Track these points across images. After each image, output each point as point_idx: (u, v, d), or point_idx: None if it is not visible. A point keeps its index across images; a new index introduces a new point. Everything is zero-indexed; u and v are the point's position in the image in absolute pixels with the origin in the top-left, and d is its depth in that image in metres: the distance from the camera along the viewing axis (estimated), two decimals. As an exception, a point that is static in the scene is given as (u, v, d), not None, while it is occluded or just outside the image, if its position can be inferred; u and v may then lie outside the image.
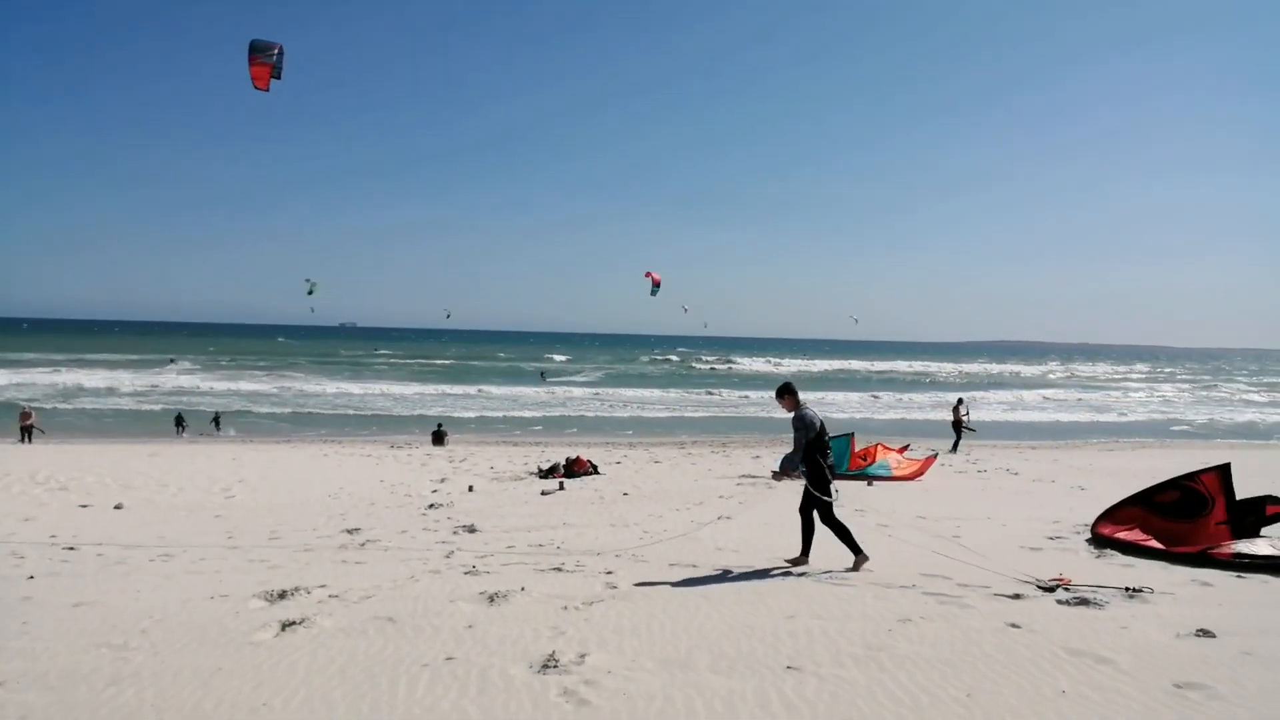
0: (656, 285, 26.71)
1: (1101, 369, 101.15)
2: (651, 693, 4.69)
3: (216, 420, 31.18)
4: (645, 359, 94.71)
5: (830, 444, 8.19)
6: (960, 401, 26.07)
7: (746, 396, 51.11)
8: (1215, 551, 8.43)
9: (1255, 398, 63.05)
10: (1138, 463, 20.48)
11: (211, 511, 12.37)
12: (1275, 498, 9.54)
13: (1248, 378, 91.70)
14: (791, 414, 8.12)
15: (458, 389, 50.43)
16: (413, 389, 50.15)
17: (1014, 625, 6.01)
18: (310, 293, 27.88)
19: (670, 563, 8.32)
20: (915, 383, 71.85)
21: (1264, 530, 9.16)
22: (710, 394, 51.74)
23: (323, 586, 7.27)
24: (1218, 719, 4.27)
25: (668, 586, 7.27)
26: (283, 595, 6.92)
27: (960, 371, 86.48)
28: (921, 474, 16.72)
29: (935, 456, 18.02)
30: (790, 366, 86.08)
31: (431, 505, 12.87)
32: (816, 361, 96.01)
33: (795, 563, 8.19)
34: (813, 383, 65.25)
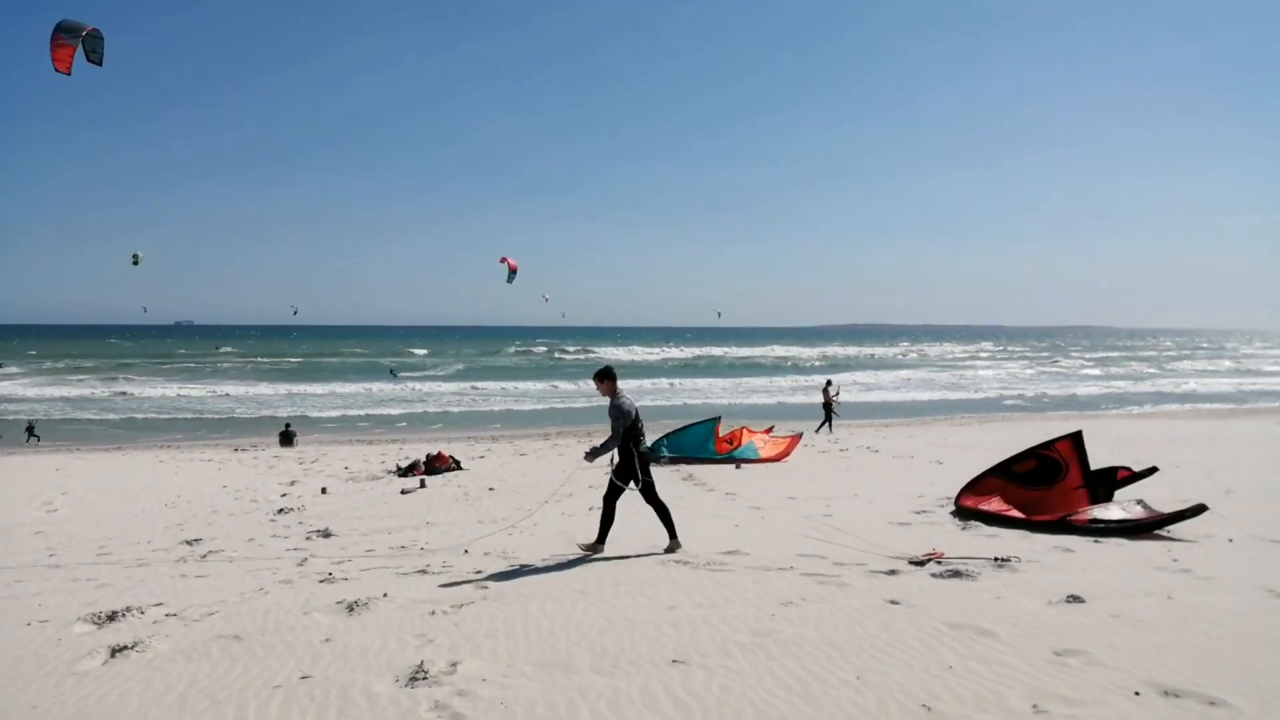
0: (513, 271, 26.02)
1: (948, 349, 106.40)
2: (531, 700, 4.34)
3: (31, 429, 28.25)
4: (510, 351, 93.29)
5: (643, 431, 8.02)
6: (829, 383, 26.81)
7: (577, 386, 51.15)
8: (1073, 518, 8.75)
9: (1093, 371, 67.70)
10: (987, 436, 21.46)
11: (30, 528, 11.14)
12: (1125, 467, 10.05)
13: (1081, 353, 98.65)
14: (608, 399, 7.93)
15: (309, 388, 48.06)
16: (259, 389, 47.54)
17: (893, 602, 5.97)
18: (136, 263, 25.73)
19: (543, 558, 7.95)
20: (776, 367, 73.48)
21: (1115, 495, 9.61)
22: (575, 385, 51.35)
23: (159, 605, 6.54)
24: (1098, 683, 4.27)
25: (542, 583, 6.89)
26: (112, 617, 6.17)
27: (821, 355, 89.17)
28: (787, 454, 16.94)
29: (800, 437, 18.30)
30: (655, 354, 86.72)
31: (281, 510, 12.03)
32: (680, 349, 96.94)
33: (592, 549, 7.96)
34: (678, 370, 65.97)
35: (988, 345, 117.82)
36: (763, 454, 16.72)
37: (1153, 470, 9.94)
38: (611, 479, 7.98)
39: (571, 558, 7.92)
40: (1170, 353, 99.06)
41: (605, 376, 8.09)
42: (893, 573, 6.91)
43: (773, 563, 7.39)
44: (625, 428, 7.79)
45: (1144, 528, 8.38)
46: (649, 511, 8.14)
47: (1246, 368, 71.16)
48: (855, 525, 9.22)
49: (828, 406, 25.46)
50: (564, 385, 50.88)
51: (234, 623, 5.98)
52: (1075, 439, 9.87)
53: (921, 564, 7.17)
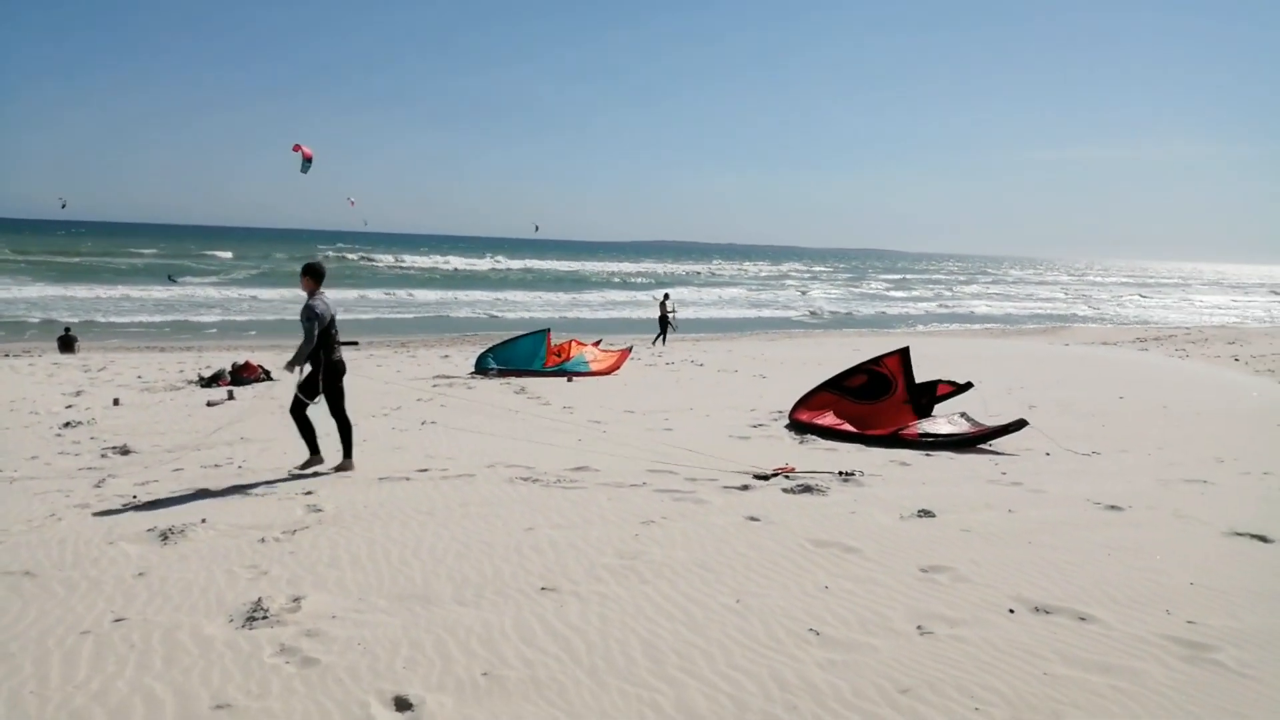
0: (308, 160, 23.91)
1: (761, 267, 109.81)
2: (394, 639, 3.92)
3: None
4: (319, 258, 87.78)
5: (337, 336, 7.57)
6: (666, 297, 27.06)
7: (412, 295, 49.39)
8: (904, 432, 9.10)
9: (895, 294, 71.79)
10: (801, 351, 22.22)
11: None
12: (946, 380, 10.55)
13: (878, 274, 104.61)
14: (307, 296, 7.37)
15: (98, 290, 43.51)
16: (31, 290, 42.61)
17: (753, 519, 5.92)
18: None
19: (380, 476, 7.39)
20: (605, 282, 73.11)
21: (936, 409, 10.08)
22: (388, 294, 49.25)
23: (-82, 539, 5.58)
24: (972, 600, 4.34)
25: (383, 504, 6.38)
26: None
27: (642, 270, 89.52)
28: (618, 367, 16.85)
29: (630, 350, 18.24)
30: (478, 265, 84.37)
31: (68, 424, 10.68)
32: (502, 260, 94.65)
33: (308, 465, 7.52)
34: (501, 282, 64.54)
35: (797, 265, 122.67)
36: (594, 367, 16.55)
37: (969, 385, 10.50)
38: (296, 393, 7.42)
39: (408, 476, 7.41)
40: (960, 278, 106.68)
41: (308, 273, 7.48)
42: (745, 488, 6.89)
43: (624, 479, 7.20)
44: (319, 331, 7.23)
45: (970, 441, 8.83)
46: (488, 429, 7.74)
47: (1023, 292, 77.87)
48: (697, 439, 9.20)
49: (664, 320, 25.67)
50: (374, 294, 48.69)
51: (23, 556, 5.16)
52: (902, 355, 10.24)
53: (769, 479, 7.20)
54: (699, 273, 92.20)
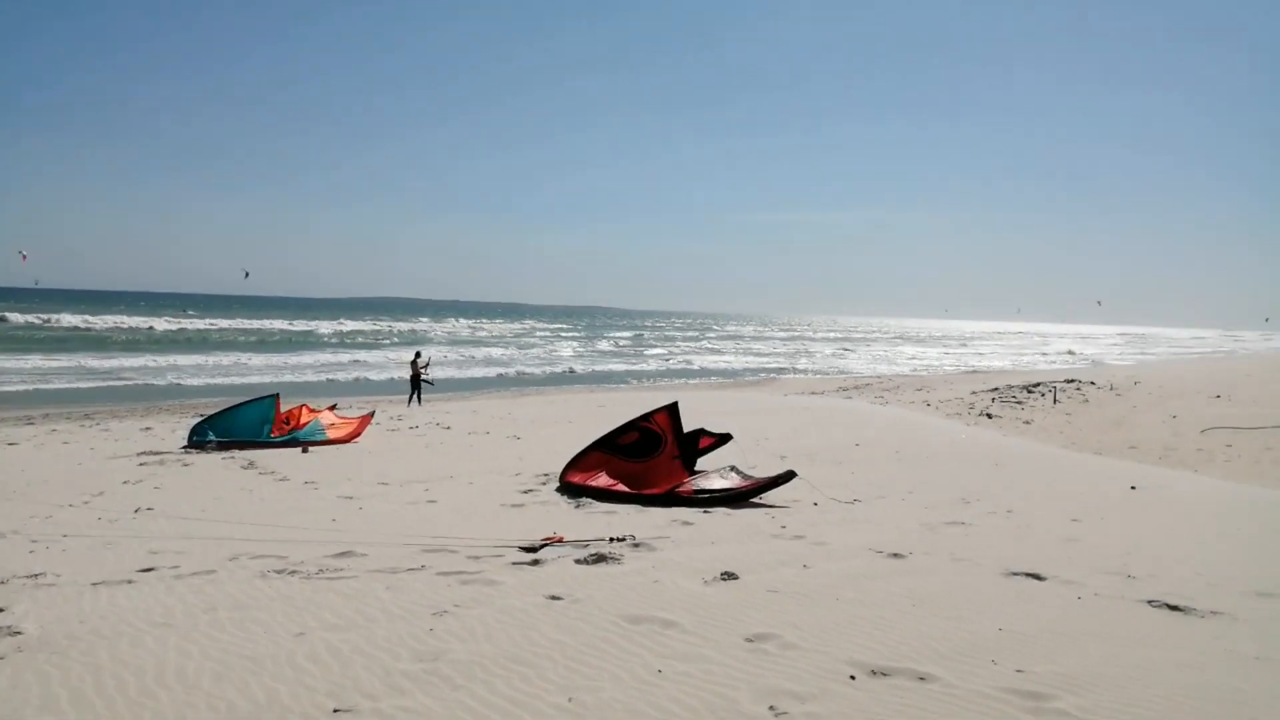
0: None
1: (495, 325, 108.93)
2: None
3: None
4: (-26, 317, 76.11)
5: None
6: (418, 355, 26.07)
7: (103, 360, 44.12)
8: (680, 490, 9.02)
9: (631, 350, 73.72)
10: (550, 409, 21.98)
11: None
12: (707, 431, 10.64)
13: (611, 329, 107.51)
14: None
15: None
16: None
17: (554, 597, 5.45)
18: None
19: (93, 581, 6.11)
20: (328, 342, 68.86)
21: (700, 462, 10.13)
22: (71, 360, 43.40)
23: None
24: (810, 670, 4.14)
25: (104, 618, 5.22)
26: None
27: (368, 328, 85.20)
28: (359, 434, 15.67)
29: (371, 415, 17.08)
30: (183, 324, 76.69)
31: None
32: (209, 319, 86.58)
33: None
34: (203, 344, 59.04)
35: (530, 322, 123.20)
36: (331, 435, 15.26)
37: (728, 437, 10.69)
38: None
39: (129, 579, 6.19)
40: (689, 333, 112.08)
41: None
42: (536, 563, 6.40)
43: (398, 563, 6.46)
44: None
45: (743, 495, 8.89)
46: (214, 510, 6.70)
47: (741, 346, 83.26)
48: (467, 510, 8.58)
49: (415, 379, 24.70)
50: (52, 360, 42.68)
51: None
52: (671, 410, 10.24)
53: (537, 550, 6.73)
54: (430, 330, 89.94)
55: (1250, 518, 8.64)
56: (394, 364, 46.67)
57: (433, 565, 6.35)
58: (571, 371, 48.69)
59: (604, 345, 78.71)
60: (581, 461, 9.96)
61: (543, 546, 6.80)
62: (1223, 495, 10.20)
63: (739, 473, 9.48)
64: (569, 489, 9.56)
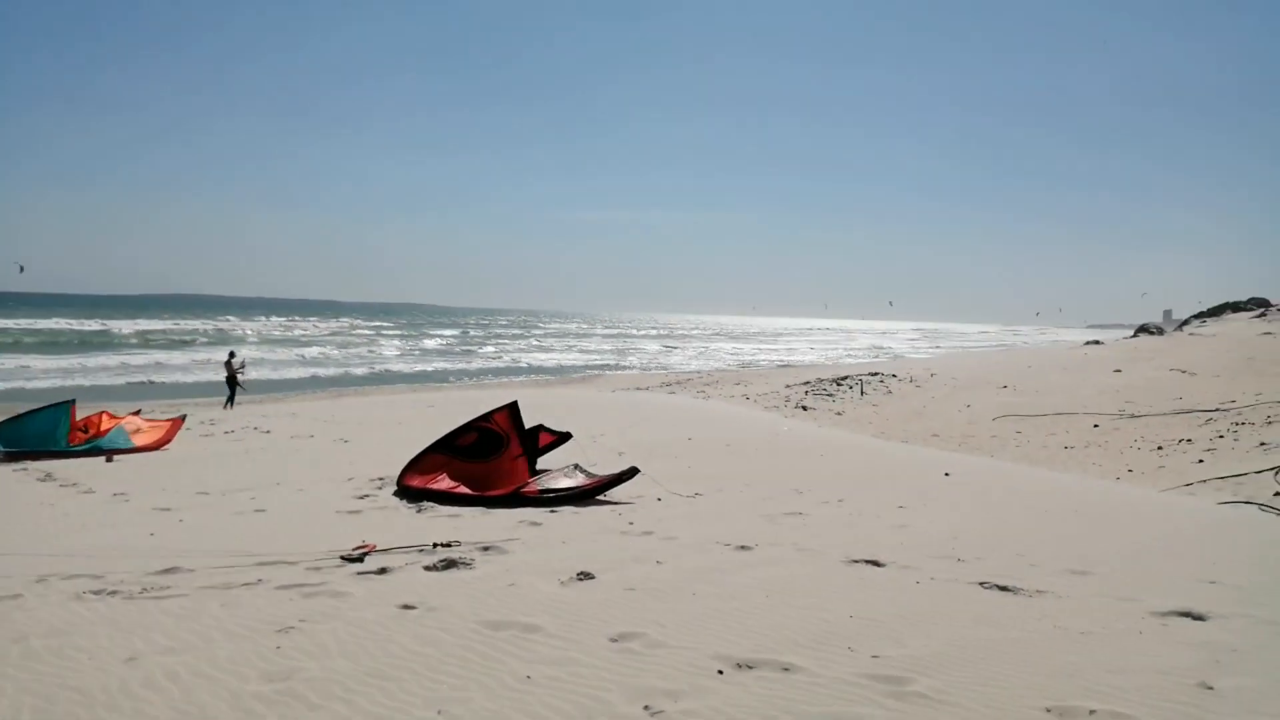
0: None
1: (300, 322, 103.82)
2: None
3: None
4: None
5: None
6: (232, 355, 24.75)
7: None
8: (525, 490, 8.93)
9: (459, 347, 72.23)
10: (376, 411, 21.26)
11: None
12: (546, 428, 10.59)
13: (435, 327, 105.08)
14: None
15: None
16: None
17: (408, 606, 5.27)
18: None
19: None
20: (129, 343, 63.14)
21: (542, 461, 10.09)
22: None
23: None
24: (679, 667, 4.20)
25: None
26: None
27: (137, 330, 78.38)
28: (169, 440, 14.60)
29: (183, 419, 15.93)
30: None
31: None
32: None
33: None
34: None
35: (348, 320, 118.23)
36: (138, 441, 14.14)
37: (568, 435, 10.71)
38: None
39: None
40: (515, 330, 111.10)
41: None
42: (383, 571, 6.17)
43: (231, 578, 6.05)
44: None
45: (589, 493, 8.91)
46: (24, 524, 6.08)
47: (569, 344, 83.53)
48: (300, 519, 8.17)
49: (232, 380, 23.34)
50: None
51: None
52: (511, 409, 10.12)
53: (358, 559, 6.48)
54: (238, 329, 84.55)
55: (1052, 499, 9.50)
56: (200, 365, 43.68)
57: (270, 578, 5.99)
58: (395, 371, 47.28)
59: (429, 344, 76.85)
60: (420, 464, 9.68)
61: (361, 556, 6.53)
62: (1024, 479, 11.18)
63: (583, 471, 9.50)
64: (408, 493, 9.27)
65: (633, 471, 9.13)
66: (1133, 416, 24.52)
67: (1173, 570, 5.98)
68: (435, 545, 6.83)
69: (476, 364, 54.75)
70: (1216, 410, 23.80)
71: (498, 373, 48.12)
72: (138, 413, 15.99)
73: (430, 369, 49.22)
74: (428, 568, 6.22)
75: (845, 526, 7.48)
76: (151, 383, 34.68)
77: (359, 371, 45.79)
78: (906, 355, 71.97)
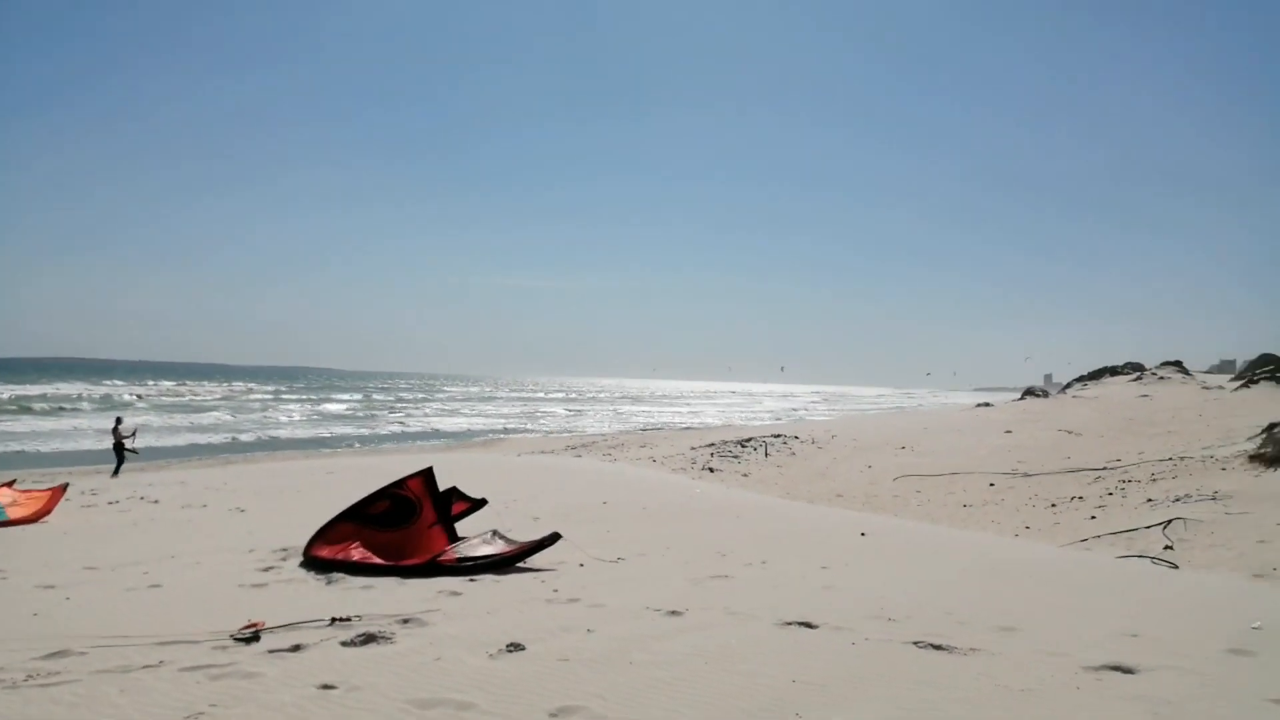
0: None
1: (207, 388, 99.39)
2: None
3: None
4: None
5: None
6: (119, 421, 23.56)
7: None
8: (442, 559, 8.61)
9: (361, 413, 70.16)
10: (272, 479, 20.35)
11: None
12: (460, 493, 10.30)
13: (334, 390, 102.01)
14: None
15: None
16: None
17: (328, 686, 4.96)
18: None
19: None
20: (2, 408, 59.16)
21: (456, 527, 9.78)
22: None
23: None
24: (623, 740, 4.05)
25: None
26: None
27: (13, 395, 73.59)
28: (48, 511, 13.62)
29: (65, 488, 14.91)
30: None
31: None
32: None
33: None
34: None
35: (242, 384, 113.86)
36: (14, 514, 13.14)
37: (483, 501, 10.44)
38: None
39: None
40: (418, 394, 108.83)
41: None
42: (297, 648, 5.80)
43: (129, 660, 5.59)
44: None
45: (509, 560, 8.65)
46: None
47: (473, 408, 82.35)
48: (201, 594, 7.66)
49: (119, 447, 22.23)
50: None
51: None
52: (426, 476, 9.82)
53: (250, 639, 6.09)
54: (125, 394, 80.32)
55: (966, 557, 9.69)
56: (81, 432, 41.29)
57: (173, 660, 5.57)
58: (292, 437, 45.65)
59: (329, 408, 74.61)
60: (329, 534, 9.25)
61: (254, 635, 6.15)
62: (935, 537, 11.40)
63: (502, 537, 9.24)
64: (317, 564, 8.83)
65: (554, 537, 8.93)
66: (1026, 475, 25.41)
67: (1094, 625, 6.13)
68: (333, 620, 6.44)
69: (378, 429, 53.37)
70: (1104, 469, 24.87)
71: (400, 438, 47.01)
72: (11, 484, 14.91)
73: (328, 434, 47.72)
74: (345, 643, 5.89)
75: (772, 588, 7.44)
76: (24, 452, 32.59)
77: (247, 438, 43.99)
78: (807, 417, 73.48)
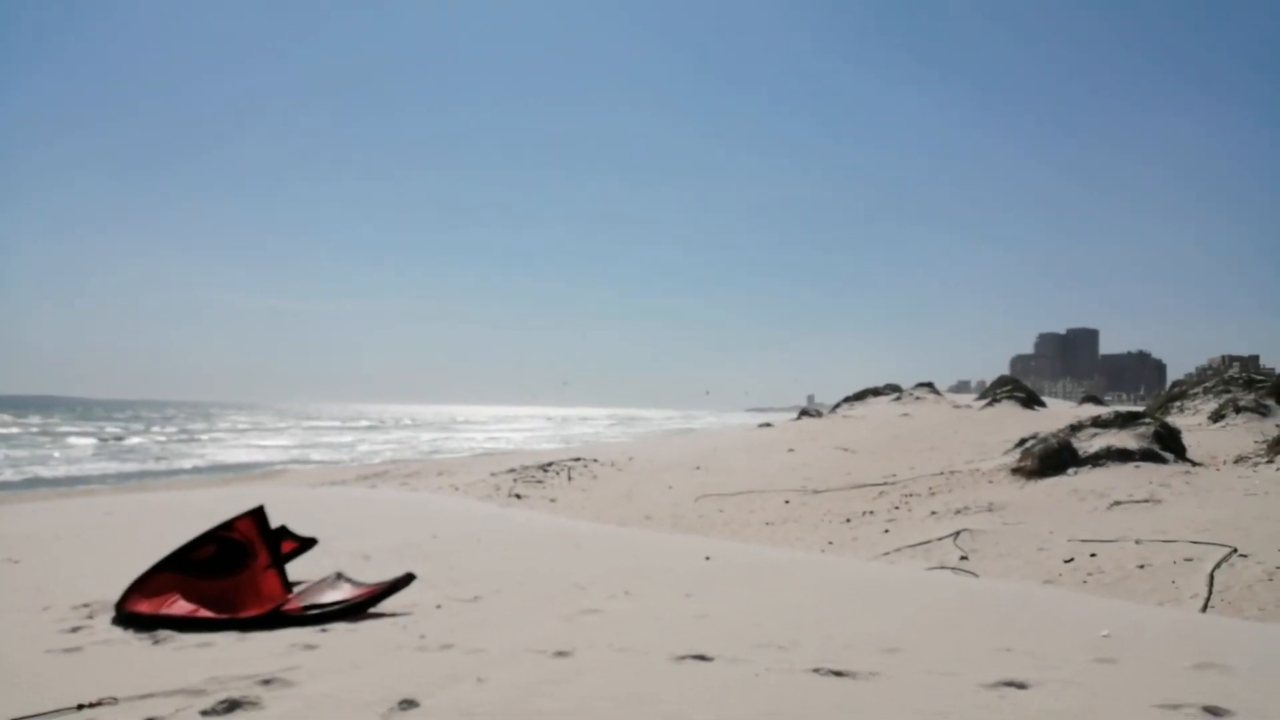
0: None
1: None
2: None
3: None
4: None
5: None
6: None
7: None
8: (287, 608, 7.93)
9: (126, 442, 63.45)
10: (39, 521, 18.02)
11: None
12: (289, 532, 9.55)
13: (71, 420, 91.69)
14: None
15: None
16: None
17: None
18: None
19: None
20: None
21: (297, 571, 9.09)
22: None
23: None
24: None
25: None
26: None
27: None
28: None
29: None
30: None
31: None
32: None
33: None
34: None
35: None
36: None
37: (313, 541, 9.75)
38: None
39: None
40: (178, 423, 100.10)
41: None
42: (150, 722, 5.16)
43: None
44: None
45: (361, 606, 8.10)
46: None
47: (243, 440, 76.99)
48: (9, 660, 6.65)
49: None
50: None
51: None
52: (256, 515, 9.06)
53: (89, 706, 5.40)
54: None
55: (809, 577, 10.08)
56: None
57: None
58: (54, 475, 40.74)
59: (84, 441, 67.18)
60: (147, 585, 8.27)
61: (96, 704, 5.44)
62: (769, 559, 11.82)
63: (349, 580, 8.65)
64: (136, 621, 7.87)
65: (409, 578, 8.47)
66: (815, 492, 26.93)
67: (966, 640, 6.56)
68: (80, 707, 5.58)
69: (149, 463, 48.66)
70: (884, 484, 26.78)
71: (172, 473, 43.13)
72: None
73: (95, 470, 42.98)
74: (206, 712, 5.30)
75: (648, 620, 7.42)
76: None
77: (-5, 476, 38.94)
78: (603, 440, 74.33)
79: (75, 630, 7.86)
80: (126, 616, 8.00)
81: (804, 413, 69.08)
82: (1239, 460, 24.00)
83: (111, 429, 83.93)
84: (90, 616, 8.33)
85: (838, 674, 5.54)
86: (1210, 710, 4.70)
